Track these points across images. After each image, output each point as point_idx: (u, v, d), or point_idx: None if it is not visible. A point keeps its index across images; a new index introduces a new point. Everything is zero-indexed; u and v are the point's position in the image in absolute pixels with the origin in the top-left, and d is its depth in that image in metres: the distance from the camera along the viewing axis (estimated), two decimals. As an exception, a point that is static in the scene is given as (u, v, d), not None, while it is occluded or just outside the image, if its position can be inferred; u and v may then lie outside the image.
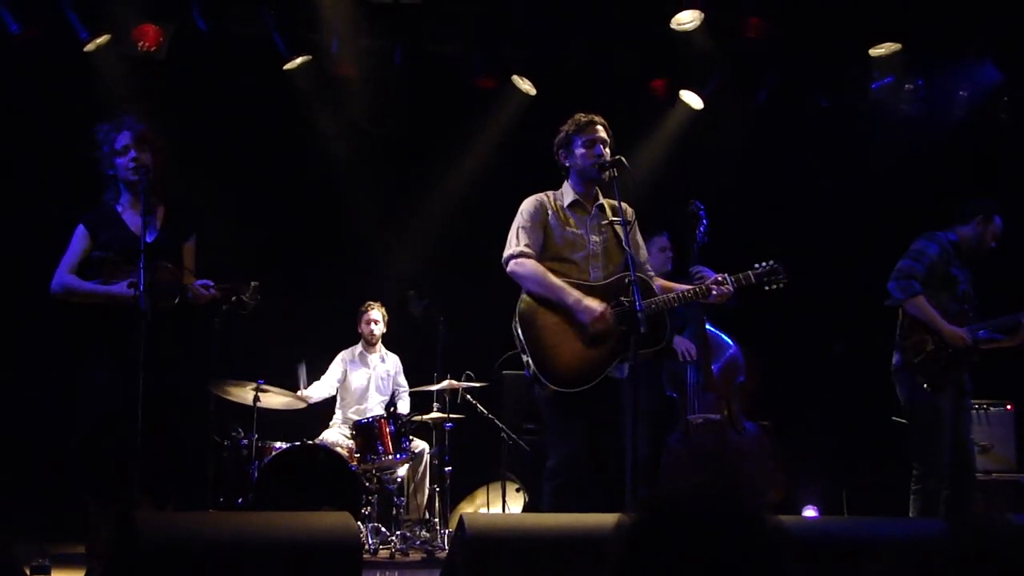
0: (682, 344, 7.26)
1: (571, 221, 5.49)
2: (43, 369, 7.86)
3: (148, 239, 5.41)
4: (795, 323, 8.65)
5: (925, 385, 6.54)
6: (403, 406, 8.66)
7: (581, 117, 5.51)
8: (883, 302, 6.74)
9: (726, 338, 7.40)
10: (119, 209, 5.53)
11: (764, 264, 5.40)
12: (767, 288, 5.38)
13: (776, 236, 9.33)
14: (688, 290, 5.37)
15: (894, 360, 6.74)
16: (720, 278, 5.39)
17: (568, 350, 5.23)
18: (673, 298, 5.32)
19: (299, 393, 8.28)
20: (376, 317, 8.76)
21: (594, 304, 5.19)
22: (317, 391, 8.58)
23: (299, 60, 8.78)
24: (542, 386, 5.25)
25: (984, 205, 6.82)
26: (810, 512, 8.48)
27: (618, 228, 5.44)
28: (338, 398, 8.77)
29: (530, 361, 5.25)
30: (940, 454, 6.52)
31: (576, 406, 5.25)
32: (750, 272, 5.40)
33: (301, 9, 8.27)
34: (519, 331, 5.30)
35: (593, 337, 5.20)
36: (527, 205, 5.53)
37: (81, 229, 5.51)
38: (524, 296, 5.36)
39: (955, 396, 6.58)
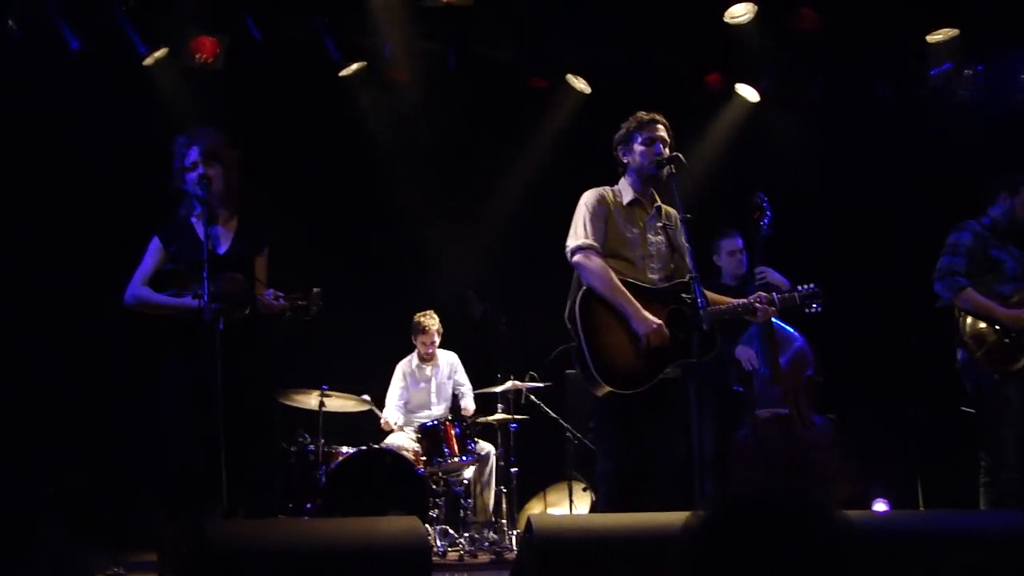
0: (745, 353, 7.23)
1: (630, 219, 5.49)
2: (116, 379, 7.94)
3: (220, 251, 5.48)
4: (864, 314, 8.55)
5: (995, 376, 6.47)
6: (468, 403, 8.67)
7: (643, 115, 5.51)
8: (935, 305, 6.69)
9: (793, 331, 7.34)
10: (193, 222, 5.55)
11: (806, 287, 5.65)
12: (807, 311, 5.59)
13: (838, 227, 9.28)
14: (738, 304, 5.42)
15: (959, 357, 6.68)
16: (767, 298, 5.50)
17: (625, 349, 5.21)
18: (725, 310, 5.38)
19: (383, 422, 8.47)
20: (435, 338, 8.76)
21: (652, 319, 5.18)
22: (394, 415, 8.64)
23: (354, 66, 8.84)
24: (593, 382, 5.24)
25: (1005, 180, 6.79)
26: (880, 506, 8.39)
27: (670, 233, 5.47)
28: (402, 413, 8.81)
29: (585, 355, 5.21)
30: (1010, 445, 6.43)
31: (626, 414, 5.26)
32: (795, 294, 5.64)
33: (354, 15, 8.31)
34: (577, 324, 5.27)
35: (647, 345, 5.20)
36: (590, 197, 5.52)
37: (155, 241, 5.55)
38: (584, 291, 5.32)
39: None
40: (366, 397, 8.28)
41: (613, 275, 5.29)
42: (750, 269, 7.17)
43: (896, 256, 8.65)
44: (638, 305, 5.21)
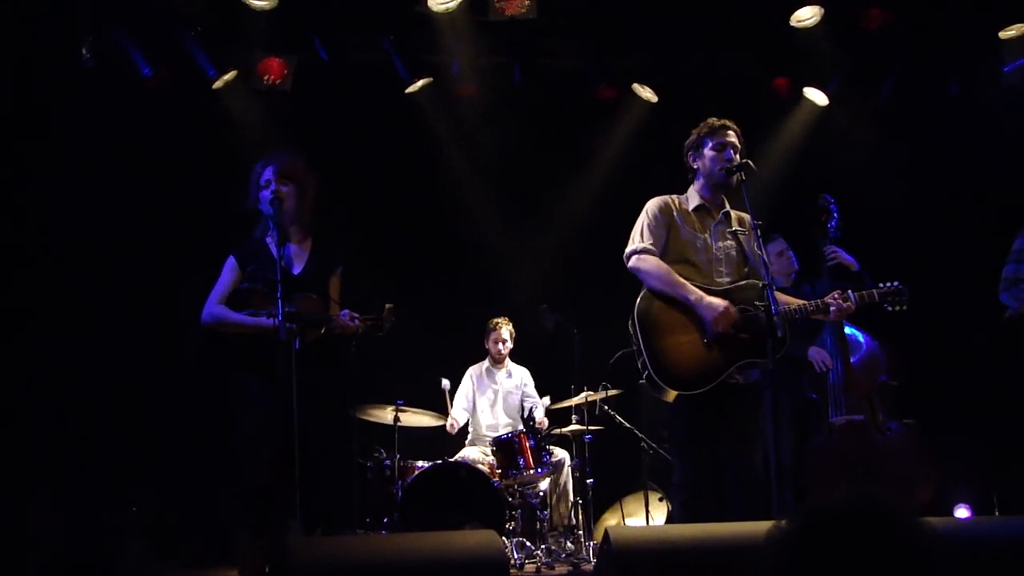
0: (818, 355, 7.16)
1: (696, 224, 5.47)
2: (194, 397, 8.02)
3: (295, 271, 5.54)
4: (939, 317, 8.42)
5: None
6: (540, 414, 8.65)
7: (714, 120, 5.50)
8: (1003, 316, 6.57)
9: (864, 336, 7.26)
10: (268, 242, 5.61)
11: (889, 284, 5.40)
12: (889, 308, 5.38)
13: (913, 228, 9.14)
14: (811, 304, 5.33)
15: None
16: (842, 295, 5.34)
17: (685, 351, 5.19)
18: (795, 309, 5.29)
19: (449, 422, 8.45)
20: (505, 337, 8.85)
21: (717, 301, 5.15)
22: (460, 415, 8.66)
23: (420, 83, 8.89)
24: (656, 386, 5.21)
25: None
26: (962, 511, 8.25)
27: (741, 238, 5.43)
28: (469, 416, 8.85)
29: (645, 360, 5.21)
30: None
31: (698, 423, 5.22)
32: (875, 291, 5.42)
33: (420, 33, 8.35)
34: (636, 329, 5.27)
35: (711, 341, 5.15)
36: (652, 204, 5.52)
37: (231, 261, 5.64)
38: (643, 294, 5.34)
39: None
40: (446, 383, 8.44)
41: (671, 269, 5.28)
42: (816, 270, 7.13)
43: (971, 255, 8.52)
44: (701, 292, 5.20)
